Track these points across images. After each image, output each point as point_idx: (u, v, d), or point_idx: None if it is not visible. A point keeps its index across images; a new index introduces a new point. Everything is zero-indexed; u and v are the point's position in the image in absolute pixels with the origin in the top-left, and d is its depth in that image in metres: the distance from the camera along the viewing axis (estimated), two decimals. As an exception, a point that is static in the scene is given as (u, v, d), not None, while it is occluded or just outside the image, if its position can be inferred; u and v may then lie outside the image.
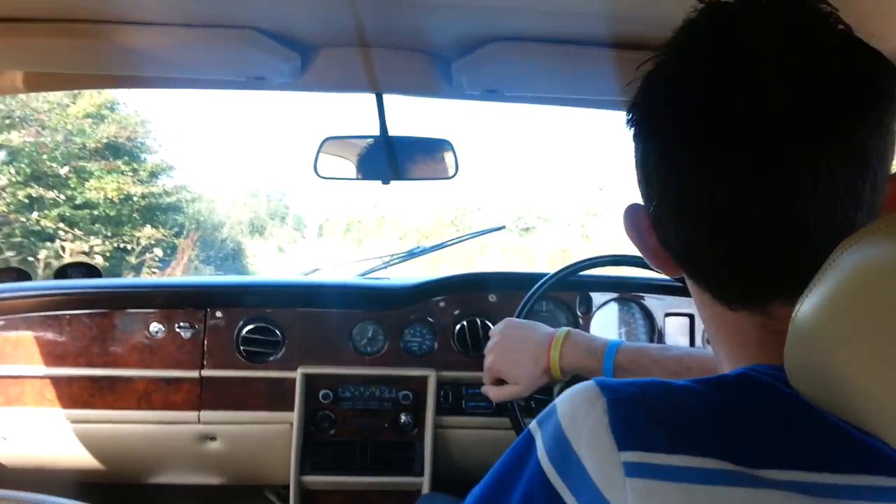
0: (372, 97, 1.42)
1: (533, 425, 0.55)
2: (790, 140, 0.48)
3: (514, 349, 1.19)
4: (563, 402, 0.53)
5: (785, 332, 0.45)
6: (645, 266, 1.43)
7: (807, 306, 0.43)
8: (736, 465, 0.45)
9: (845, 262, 0.41)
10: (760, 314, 0.53)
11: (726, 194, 0.51)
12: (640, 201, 0.62)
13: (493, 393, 1.24)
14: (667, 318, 1.79)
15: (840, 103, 0.48)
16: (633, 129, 0.59)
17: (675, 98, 0.54)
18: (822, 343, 0.42)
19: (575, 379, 1.57)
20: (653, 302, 1.79)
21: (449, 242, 2.24)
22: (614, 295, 1.79)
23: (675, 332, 1.80)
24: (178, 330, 1.70)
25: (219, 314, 1.72)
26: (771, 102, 0.48)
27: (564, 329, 1.16)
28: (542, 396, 1.69)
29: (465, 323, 1.75)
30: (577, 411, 0.51)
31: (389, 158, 1.51)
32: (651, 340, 1.79)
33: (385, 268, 2.06)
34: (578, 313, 1.78)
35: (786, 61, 0.49)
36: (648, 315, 1.80)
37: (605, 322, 1.80)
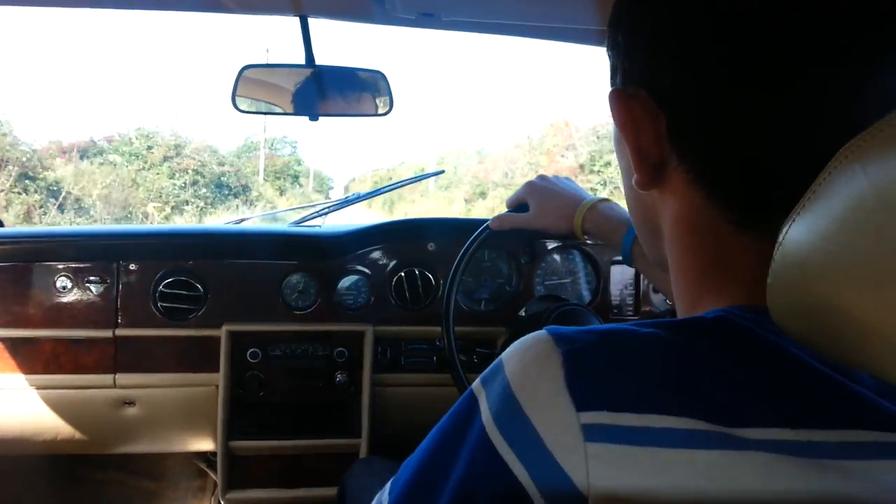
0: (296, 22, 1.28)
1: (476, 385, 0.47)
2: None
3: (549, 190, 1.23)
4: (512, 356, 0.45)
5: None
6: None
7: (795, 230, 0.37)
8: (713, 425, 0.39)
9: (840, 178, 0.35)
10: (770, 240, 0.44)
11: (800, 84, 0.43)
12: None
13: (503, 217, 1.26)
14: (612, 267, 1.73)
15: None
16: None
17: None
18: (811, 270, 0.36)
19: (528, 326, 1.50)
20: (597, 250, 1.73)
21: (387, 188, 2.14)
22: (558, 243, 1.72)
23: (620, 282, 1.74)
24: (87, 285, 1.55)
25: (133, 267, 1.57)
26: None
27: (597, 198, 1.19)
28: (485, 350, 1.62)
29: (402, 274, 1.65)
30: (529, 367, 0.43)
31: (318, 91, 1.38)
32: (596, 290, 1.72)
33: (319, 216, 1.95)
34: (522, 262, 1.70)
35: None
36: (593, 263, 1.73)
37: (551, 272, 1.73)
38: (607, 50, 0.57)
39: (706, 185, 0.49)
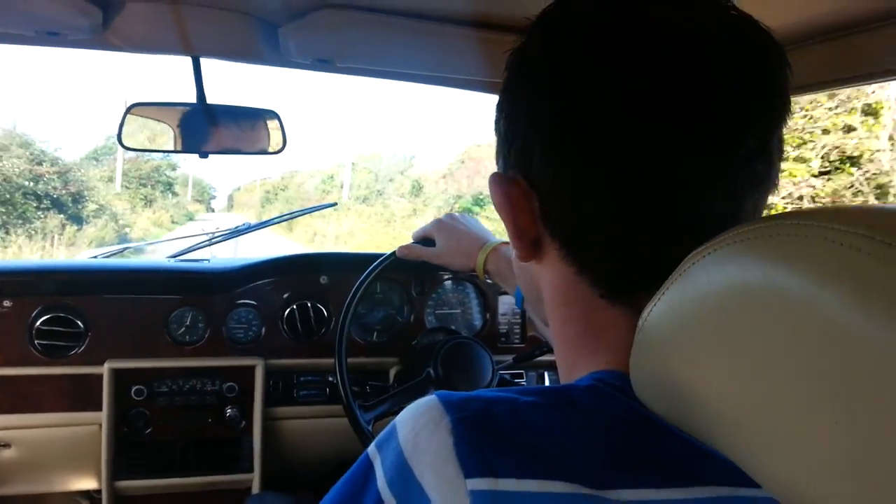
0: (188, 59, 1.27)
1: (372, 450, 0.49)
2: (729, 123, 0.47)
3: (457, 229, 1.28)
4: (404, 422, 0.47)
5: None
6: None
7: (654, 314, 0.42)
8: (588, 488, 0.42)
9: (697, 271, 0.40)
10: (637, 313, 0.48)
11: (657, 167, 0.48)
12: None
13: (411, 248, 1.31)
14: (499, 298, 1.80)
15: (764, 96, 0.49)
16: (524, 81, 0.54)
17: (605, 54, 0.49)
18: (665, 350, 0.42)
19: (419, 357, 1.54)
20: (485, 282, 1.79)
21: (277, 219, 2.11)
22: (448, 275, 1.77)
23: (508, 312, 1.81)
24: None
25: (7, 303, 1.49)
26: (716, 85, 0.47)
27: (500, 240, 1.23)
28: (376, 383, 1.64)
29: (295, 307, 1.65)
30: (419, 434, 0.45)
31: (209, 129, 1.36)
32: (485, 320, 1.79)
33: (203, 247, 1.90)
34: (414, 294, 1.74)
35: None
36: (482, 294, 1.79)
37: (442, 302, 1.77)
38: (494, 130, 0.60)
39: (575, 261, 0.53)
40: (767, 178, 0.50)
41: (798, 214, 0.36)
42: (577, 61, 0.49)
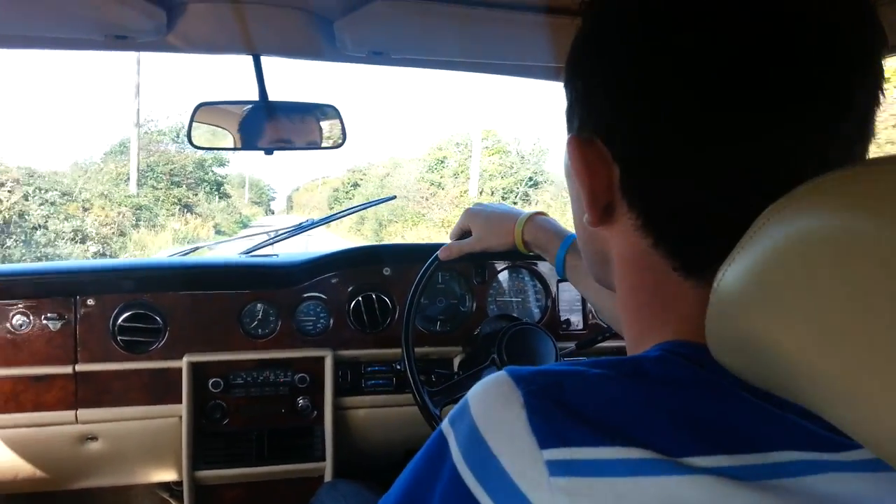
0: (250, 59, 1.32)
1: (445, 425, 0.50)
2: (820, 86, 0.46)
3: (488, 213, 1.29)
4: (476, 397, 0.48)
5: None
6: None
7: (730, 274, 0.42)
8: (661, 455, 0.42)
9: (772, 227, 0.39)
10: (709, 286, 0.47)
11: (750, 139, 0.46)
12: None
13: (451, 246, 1.32)
14: (560, 284, 1.80)
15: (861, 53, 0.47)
16: (607, 44, 0.53)
17: (697, 19, 0.47)
18: (742, 308, 0.41)
19: (483, 345, 1.55)
20: (545, 268, 1.80)
21: (339, 214, 2.16)
22: (507, 263, 1.78)
23: (568, 299, 1.81)
24: (45, 321, 1.55)
25: (91, 302, 1.58)
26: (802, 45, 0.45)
27: (532, 211, 1.26)
28: (443, 371, 1.66)
29: (360, 299, 1.69)
30: (492, 408, 0.46)
31: (271, 126, 1.42)
32: (545, 308, 1.79)
33: (271, 244, 1.97)
34: (475, 283, 1.75)
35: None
36: (542, 282, 1.80)
37: (503, 291, 1.79)
38: (565, 90, 0.59)
39: (652, 232, 0.52)
40: (865, 153, 0.49)
41: (873, 161, 0.36)
42: (666, 26, 0.48)
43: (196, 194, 21.20)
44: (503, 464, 0.44)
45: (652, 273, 0.53)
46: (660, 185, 0.50)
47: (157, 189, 19.39)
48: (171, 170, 20.60)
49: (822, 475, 0.43)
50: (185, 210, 19.27)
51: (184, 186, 20.59)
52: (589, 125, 0.55)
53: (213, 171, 23.43)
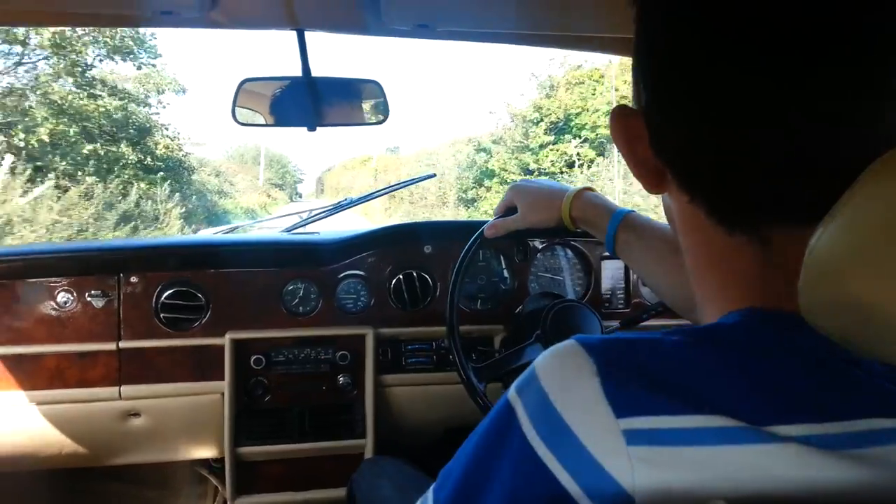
0: (293, 35, 1.30)
1: (511, 394, 0.49)
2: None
3: (535, 189, 1.28)
4: (545, 366, 0.47)
5: (787, 266, 0.43)
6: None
7: (826, 236, 0.40)
8: (745, 423, 0.41)
9: (871, 191, 0.38)
10: (760, 243, 0.48)
11: (761, 87, 0.45)
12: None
13: (496, 224, 1.30)
14: (602, 262, 1.78)
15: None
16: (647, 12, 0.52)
17: None
18: (844, 272, 0.39)
19: (526, 323, 1.54)
20: (587, 246, 1.77)
21: (378, 193, 2.16)
22: (548, 241, 1.76)
23: (611, 276, 1.79)
24: (89, 299, 1.56)
25: (134, 279, 1.59)
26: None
27: (581, 187, 1.23)
28: (485, 348, 1.66)
29: (401, 277, 1.68)
30: (565, 377, 0.46)
31: (313, 102, 1.41)
32: (588, 285, 1.77)
33: (311, 222, 1.97)
34: (516, 261, 1.74)
35: None
36: (584, 259, 1.78)
37: (544, 269, 1.77)
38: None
39: (687, 189, 0.52)
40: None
41: None
42: None
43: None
44: (577, 433, 0.43)
45: (699, 230, 0.53)
46: (680, 142, 0.51)
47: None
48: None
49: None
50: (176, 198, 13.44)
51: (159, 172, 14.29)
52: (636, 95, 0.56)
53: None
